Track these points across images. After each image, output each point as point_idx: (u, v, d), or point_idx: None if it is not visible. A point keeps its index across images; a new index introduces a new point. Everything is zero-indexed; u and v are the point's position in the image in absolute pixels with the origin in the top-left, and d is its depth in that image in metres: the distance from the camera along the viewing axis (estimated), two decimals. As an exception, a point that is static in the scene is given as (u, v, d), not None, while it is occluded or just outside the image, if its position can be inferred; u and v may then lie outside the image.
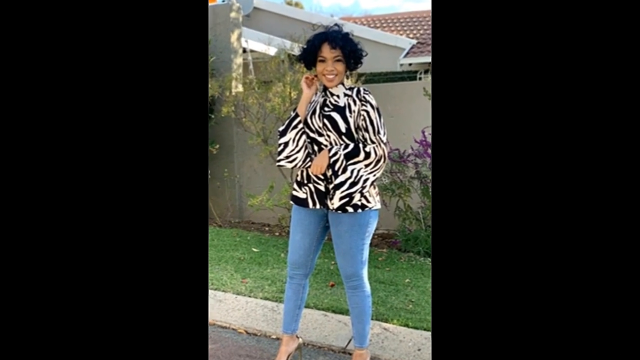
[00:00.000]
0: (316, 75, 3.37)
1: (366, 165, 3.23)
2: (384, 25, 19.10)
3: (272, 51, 8.56)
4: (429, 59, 14.39)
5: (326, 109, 3.30)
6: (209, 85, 7.91)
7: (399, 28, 18.58)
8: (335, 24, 3.36)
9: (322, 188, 3.32)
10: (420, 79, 14.56)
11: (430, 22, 15.69)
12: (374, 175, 3.27)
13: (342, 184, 3.22)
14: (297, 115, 3.33)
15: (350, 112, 3.25)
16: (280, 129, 3.37)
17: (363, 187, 3.23)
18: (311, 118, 3.33)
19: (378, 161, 3.24)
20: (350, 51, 3.26)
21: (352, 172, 3.21)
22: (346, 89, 3.34)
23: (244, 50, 10.55)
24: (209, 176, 8.56)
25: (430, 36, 2.57)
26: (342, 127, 3.23)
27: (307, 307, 4.55)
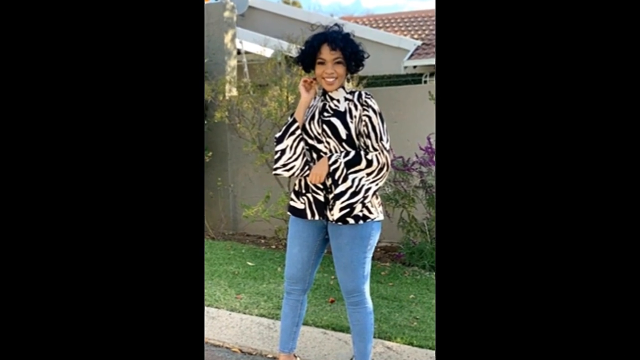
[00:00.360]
0: (315, 79, 3.37)
1: (368, 174, 3.23)
2: (387, 25, 19.13)
3: (268, 53, 8.56)
4: (434, 60, 14.41)
5: (326, 114, 3.31)
6: (201, 89, 7.91)
7: (402, 28, 18.60)
8: (335, 24, 3.36)
9: (321, 198, 3.33)
10: (425, 82, 14.60)
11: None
12: (377, 185, 3.27)
13: (342, 193, 3.22)
14: (294, 121, 3.34)
15: (351, 117, 3.25)
16: (277, 135, 3.37)
17: (365, 197, 3.23)
18: (310, 124, 3.33)
19: (381, 169, 3.25)
20: (351, 53, 3.26)
21: (353, 181, 3.21)
22: (347, 93, 3.34)
23: (239, 52, 10.55)
24: (201, 185, 8.54)
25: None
26: (343, 133, 3.24)
27: (305, 324, 4.55)
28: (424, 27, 18.17)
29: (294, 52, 6.06)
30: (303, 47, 3.35)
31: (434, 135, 6.44)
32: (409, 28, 18.50)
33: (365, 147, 3.27)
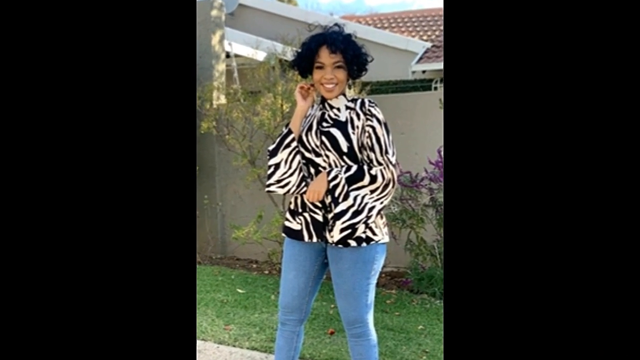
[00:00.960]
0: (313, 85, 3.37)
1: (372, 191, 3.23)
2: (393, 25, 19.18)
3: (260, 56, 8.58)
4: (445, 65, 14.41)
5: (324, 124, 3.31)
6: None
7: (410, 29, 18.65)
8: (335, 24, 3.36)
9: (319, 218, 3.32)
10: (435, 88, 14.61)
11: (447, 22, 15.70)
12: (381, 203, 3.26)
13: (343, 213, 3.21)
14: (290, 132, 3.33)
15: (352, 128, 3.25)
16: (271, 148, 3.37)
17: (368, 217, 3.22)
18: (307, 135, 3.33)
19: (386, 186, 3.24)
20: (352, 56, 3.26)
21: (355, 199, 3.21)
22: (348, 101, 3.34)
23: (227, 55, 10.57)
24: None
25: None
26: (344, 145, 3.24)
27: (302, 358, 4.54)
28: (434, 28, 18.21)
29: (289, 55, 6.07)
30: (299, 50, 3.35)
31: (446, 148, 6.44)
32: (418, 28, 18.55)
33: (368, 161, 3.27)
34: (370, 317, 3.38)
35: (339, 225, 3.21)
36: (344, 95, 3.36)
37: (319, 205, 3.31)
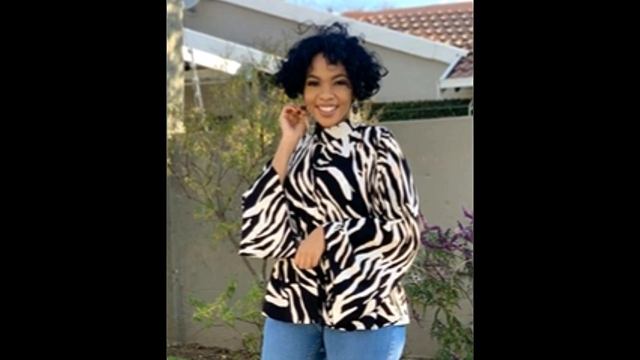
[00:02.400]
0: (304, 107, 3.38)
1: (385, 254, 3.21)
2: (416, 25, 19.24)
3: (232, 67, 8.61)
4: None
5: (321, 161, 3.31)
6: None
7: (439, 30, 18.72)
8: (336, 24, 3.37)
9: (314, 291, 3.30)
10: (472, 112, 14.65)
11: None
12: (399, 270, 3.25)
13: (346, 284, 3.19)
14: (273, 173, 3.33)
15: (359, 166, 3.25)
16: (247, 194, 3.36)
17: (381, 290, 3.21)
18: (296, 177, 3.33)
19: (405, 247, 3.23)
20: (359, 68, 3.26)
21: (362, 265, 3.19)
22: (353, 130, 3.35)
23: (187, 67, 10.61)
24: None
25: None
26: (347, 191, 3.23)
27: None
28: (470, 29, 18.23)
29: (272, 67, 6.09)
30: (286, 60, 3.36)
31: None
32: (449, 30, 18.61)
33: (381, 213, 3.26)
34: None
35: (340, 300, 3.20)
36: (348, 122, 3.36)
37: (313, 273, 3.30)
